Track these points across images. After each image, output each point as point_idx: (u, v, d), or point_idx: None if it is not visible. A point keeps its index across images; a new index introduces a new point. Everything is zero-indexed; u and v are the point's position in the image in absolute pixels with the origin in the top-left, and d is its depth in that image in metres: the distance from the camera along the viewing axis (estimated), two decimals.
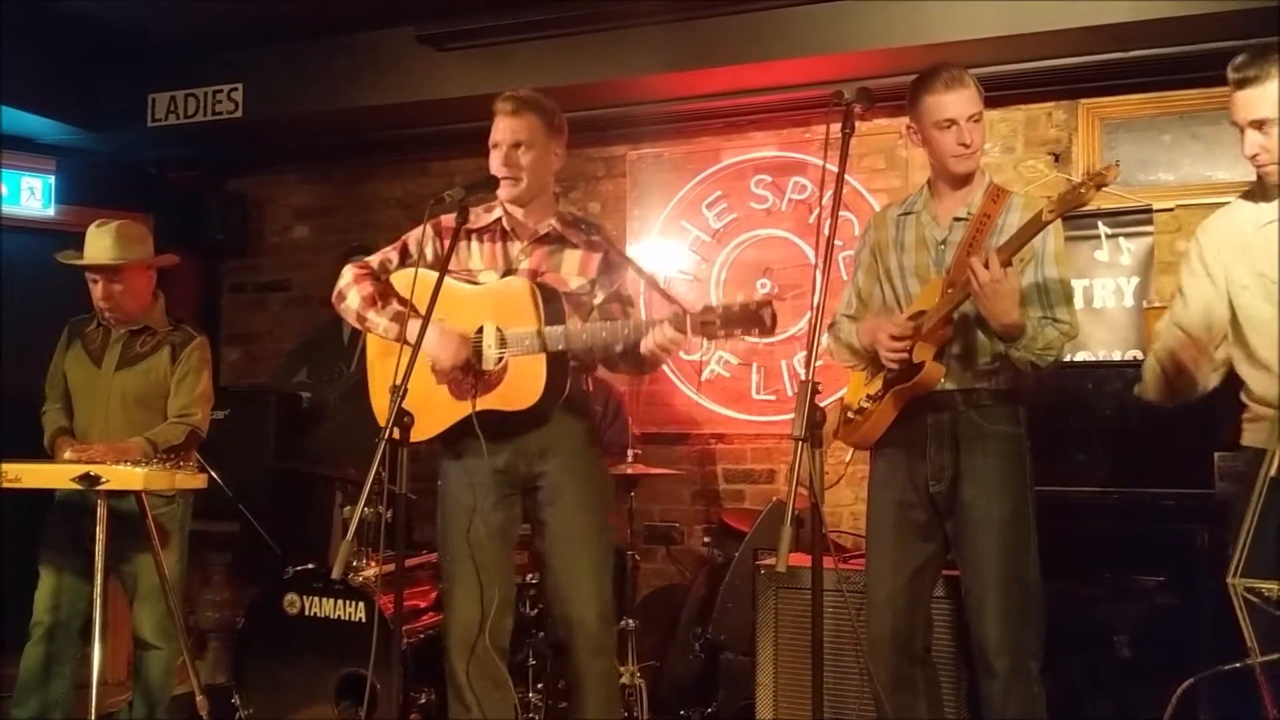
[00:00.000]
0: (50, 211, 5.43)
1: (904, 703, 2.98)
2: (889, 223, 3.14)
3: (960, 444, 2.94)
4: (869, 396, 3.05)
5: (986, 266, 2.69)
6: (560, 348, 2.95)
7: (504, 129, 3.08)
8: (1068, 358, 4.46)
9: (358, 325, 3.21)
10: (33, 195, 5.44)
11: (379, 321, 3.12)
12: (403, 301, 3.12)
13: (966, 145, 2.93)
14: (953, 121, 2.91)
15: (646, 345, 2.85)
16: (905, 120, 3.08)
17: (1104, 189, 2.64)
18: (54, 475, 3.44)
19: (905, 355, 2.91)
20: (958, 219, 3.00)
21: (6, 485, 3.38)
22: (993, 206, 2.96)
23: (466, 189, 2.94)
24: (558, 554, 3.10)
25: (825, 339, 3.23)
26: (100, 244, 3.80)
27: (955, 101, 2.91)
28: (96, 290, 3.83)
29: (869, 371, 3.12)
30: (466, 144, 3.18)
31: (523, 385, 2.97)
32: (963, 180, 3.01)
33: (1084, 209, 2.77)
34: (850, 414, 3.13)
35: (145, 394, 3.85)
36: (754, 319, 2.69)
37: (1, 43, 4.88)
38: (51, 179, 5.49)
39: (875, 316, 3.08)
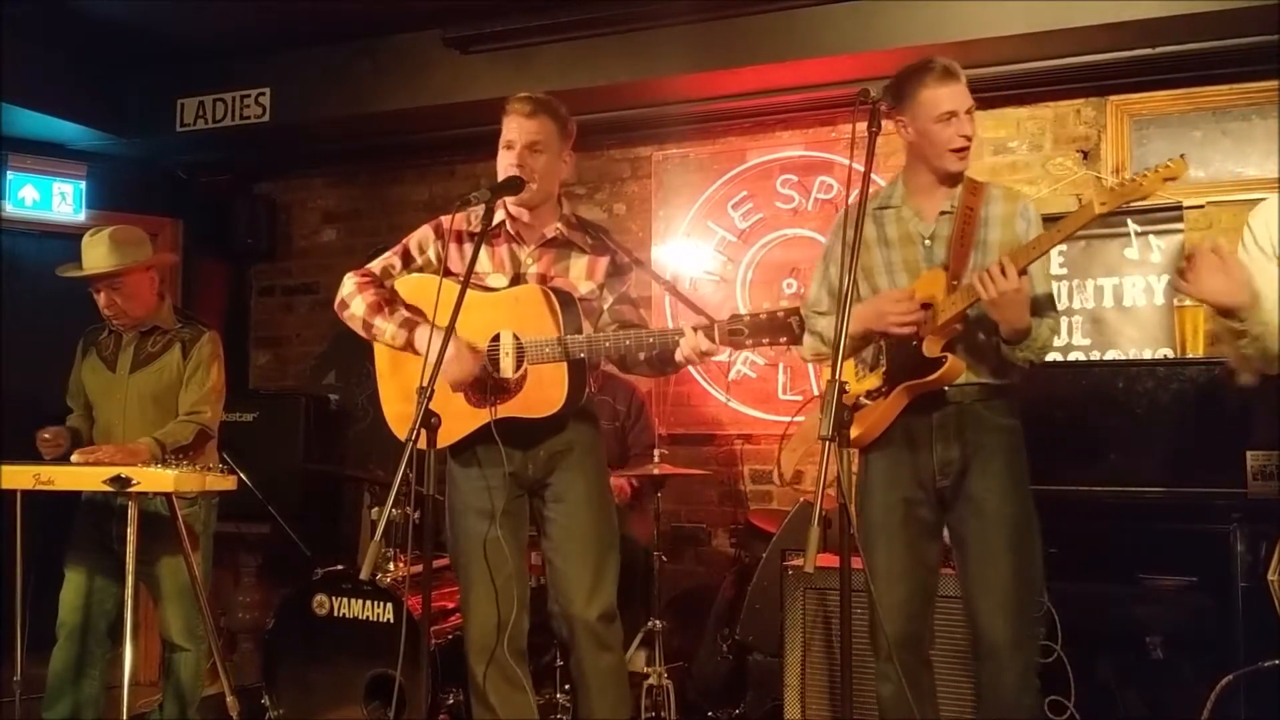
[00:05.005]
0: (81, 217, 5.49)
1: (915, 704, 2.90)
2: (865, 218, 2.98)
3: (967, 437, 2.87)
4: (868, 393, 2.96)
5: (1003, 274, 2.65)
6: (583, 355, 2.93)
7: (521, 129, 3.04)
8: (1095, 355, 4.47)
9: (364, 333, 3.14)
10: (64, 200, 5.51)
11: (386, 327, 3.07)
12: (409, 308, 3.11)
13: (968, 138, 2.86)
14: (953, 114, 2.84)
15: (681, 354, 2.82)
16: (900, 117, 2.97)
17: (1171, 182, 2.55)
18: (86, 477, 3.45)
19: (920, 315, 2.81)
20: (944, 213, 2.93)
21: (39, 487, 3.43)
22: (973, 199, 2.89)
23: (492, 190, 2.93)
24: (562, 551, 3.08)
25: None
26: (95, 253, 3.80)
27: (951, 95, 2.83)
28: (100, 299, 3.85)
29: (859, 367, 3.04)
30: (493, 146, 3.16)
31: (545, 393, 2.95)
32: (955, 177, 2.93)
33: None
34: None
35: (160, 393, 3.87)
36: (782, 327, 2.68)
37: (32, 50, 4.95)
38: (82, 184, 5.55)
39: (872, 300, 2.96)
